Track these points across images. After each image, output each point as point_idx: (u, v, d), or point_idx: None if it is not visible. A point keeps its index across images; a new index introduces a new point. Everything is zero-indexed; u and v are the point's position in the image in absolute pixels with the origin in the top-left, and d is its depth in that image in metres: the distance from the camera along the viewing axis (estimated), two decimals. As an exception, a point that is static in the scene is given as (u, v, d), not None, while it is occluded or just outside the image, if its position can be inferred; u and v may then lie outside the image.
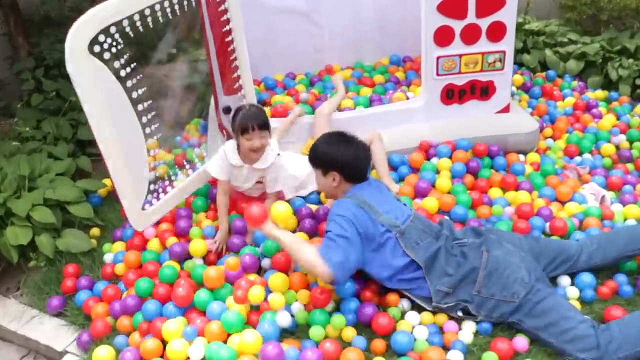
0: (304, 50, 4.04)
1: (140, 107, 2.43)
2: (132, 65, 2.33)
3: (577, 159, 3.22)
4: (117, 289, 2.45)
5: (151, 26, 2.38)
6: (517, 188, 2.85)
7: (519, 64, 4.33)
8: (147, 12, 2.33)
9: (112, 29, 2.17)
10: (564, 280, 2.27)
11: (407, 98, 3.45)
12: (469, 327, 2.09)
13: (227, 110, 3.05)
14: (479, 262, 2.08)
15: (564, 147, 3.32)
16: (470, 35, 3.07)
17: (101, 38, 2.14)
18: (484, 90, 3.26)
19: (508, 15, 3.05)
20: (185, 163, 2.90)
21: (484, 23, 3.04)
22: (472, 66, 3.17)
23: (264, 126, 2.52)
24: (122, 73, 2.29)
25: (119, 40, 2.21)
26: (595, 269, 2.29)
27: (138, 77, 2.37)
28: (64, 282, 2.59)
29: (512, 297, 2.03)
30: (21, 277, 2.80)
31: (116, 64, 2.25)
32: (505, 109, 3.34)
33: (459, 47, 3.10)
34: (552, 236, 2.53)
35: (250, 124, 2.48)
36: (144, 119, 2.47)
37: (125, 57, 2.28)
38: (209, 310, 2.18)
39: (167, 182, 2.76)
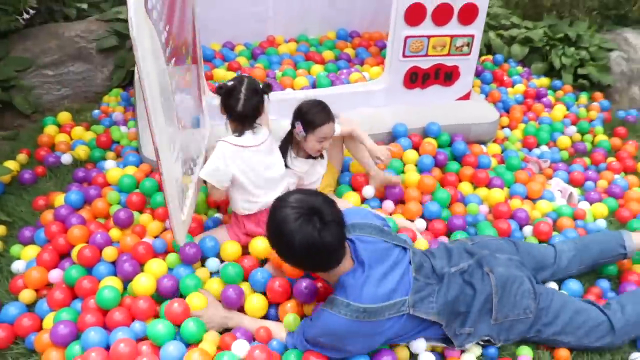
0: (244, 18, 3.61)
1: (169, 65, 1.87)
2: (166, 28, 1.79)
3: (536, 151, 3.15)
4: (35, 316, 1.94)
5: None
6: (488, 184, 2.70)
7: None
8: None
9: None
10: (552, 286, 2.16)
11: (365, 79, 3.18)
12: (474, 352, 1.90)
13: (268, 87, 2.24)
14: (489, 288, 1.86)
15: (522, 138, 3.24)
16: (442, 15, 2.84)
17: None
18: (448, 76, 3.07)
19: (481, -3, 2.86)
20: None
21: (457, 3, 2.83)
22: (439, 49, 2.96)
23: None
24: (162, 38, 1.73)
25: None
26: (572, 276, 2.21)
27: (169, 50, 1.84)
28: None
29: (525, 313, 1.87)
30: None
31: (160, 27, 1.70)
32: (466, 96, 3.18)
33: (429, 28, 2.86)
34: (535, 239, 2.41)
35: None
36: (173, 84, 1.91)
37: (162, 20, 1.73)
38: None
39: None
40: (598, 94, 3.80)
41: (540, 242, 2.40)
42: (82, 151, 2.86)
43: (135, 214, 2.35)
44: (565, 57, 3.99)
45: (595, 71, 3.91)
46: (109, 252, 2.11)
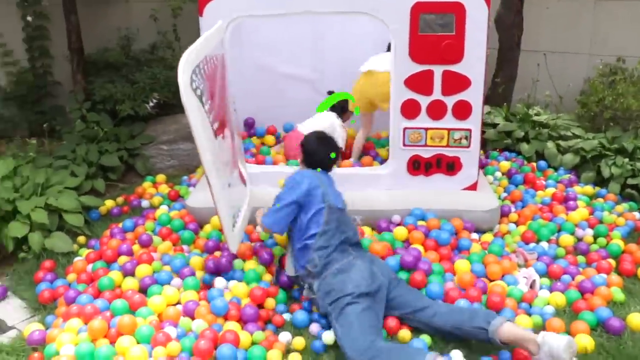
0: (307, 115, 4.43)
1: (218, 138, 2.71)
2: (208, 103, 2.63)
3: (531, 245, 3.27)
4: (67, 287, 2.85)
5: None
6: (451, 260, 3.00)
7: (517, 153, 4.48)
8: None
9: (197, 70, 2.49)
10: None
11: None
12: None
13: (330, 92, 4.13)
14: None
15: (523, 232, 3.39)
16: (436, 111, 3.32)
17: (193, 77, 2.39)
18: (450, 166, 3.45)
19: (474, 95, 3.29)
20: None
21: (450, 101, 3.29)
22: (438, 140, 3.40)
23: None
24: (205, 108, 2.58)
25: (200, 80, 2.52)
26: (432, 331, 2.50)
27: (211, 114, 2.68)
28: (37, 272, 3.02)
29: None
30: (16, 266, 3.27)
31: (203, 99, 2.56)
32: (473, 187, 3.50)
33: (425, 121, 3.35)
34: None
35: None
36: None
37: (204, 96, 2.57)
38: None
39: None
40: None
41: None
42: (156, 200, 3.85)
43: (157, 239, 3.18)
44: (616, 167, 4.03)
45: (645, 182, 3.87)
46: (123, 259, 2.95)
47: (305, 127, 3.94)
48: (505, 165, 4.12)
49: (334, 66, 4.32)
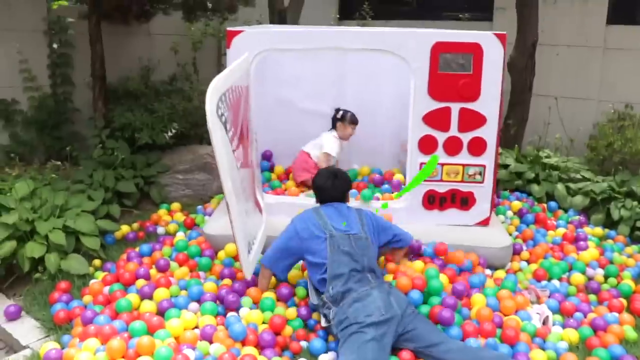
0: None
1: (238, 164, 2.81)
2: (232, 131, 2.71)
3: (543, 283, 3.30)
4: (83, 308, 2.87)
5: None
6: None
7: (528, 194, 4.53)
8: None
9: (223, 97, 2.58)
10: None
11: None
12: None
13: (337, 110, 4.22)
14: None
15: (534, 270, 3.41)
16: (452, 147, 3.41)
17: (219, 104, 2.48)
18: (464, 201, 3.51)
19: (489, 132, 3.38)
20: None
21: (466, 137, 3.38)
22: (453, 175, 3.47)
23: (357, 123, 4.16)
24: (229, 135, 2.64)
25: (225, 108, 2.60)
26: None
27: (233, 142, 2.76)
28: (52, 293, 3.04)
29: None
30: (30, 286, 3.28)
31: (227, 126, 2.60)
32: (485, 222, 3.55)
33: (441, 157, 3.43)
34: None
35: (355, 120, 4.13)
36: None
37: (228, 123, 2.64)
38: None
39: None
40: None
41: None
42: (172, 227, 3.89)
43: (174, 264, 3.21)
44: (625, 209, 4.08)
45: (655, 226, 3.91)
46: (141, 282, 2.98)
47: (308, 147, 4.20)
48: (517, 205, 4.17)
49: (353, 104, 4.42)
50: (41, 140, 5.10)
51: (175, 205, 4.35)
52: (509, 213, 4.09)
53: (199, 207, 4.38)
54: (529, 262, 3.54)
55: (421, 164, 3.46)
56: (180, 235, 3.62)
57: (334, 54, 4.27)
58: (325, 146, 4.11)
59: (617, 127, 5.04)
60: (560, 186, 4.51)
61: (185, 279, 3.07)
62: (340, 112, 4.16)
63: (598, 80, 5.44)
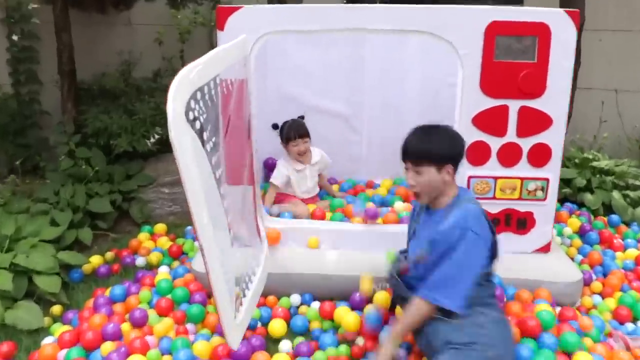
0: (338, 157, 3.76)
1: (222, 189, 2.02)
2: (213, 140, 1.94)
3: (629, 326, 2.58)
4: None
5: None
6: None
7: (579, 204, 3.82)
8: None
9: (199, 94, 1.80)
10: None
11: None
12: None
13: (275, 126, 3.48)
14: None
15: (614, 308, 2.70)
16: (509, 155, 2.68)
17: (192, 103, 1.74)
18: (522, 223, 2.79)
19: (555, 138, 2.66)
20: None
21: (526, 144, 2.66)
22: (508, 192, 2.75)
23: (305, 134, 3.33)
24: (208, 146, 1.88)
25: (203, 108, 1.84)
26: None
27: (215, 155, 1.97)
28: (-9, 361, 2.29)
29: None
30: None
31: (205, 134, 1.87)
32: (545, 248, 2.83)
33: (495, 168, 2.71)
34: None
35: (294, 133, 3.30)
36: (225, 203, 2.04)
37: (208, 130, 1.89)
38: None
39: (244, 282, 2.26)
40: None
41: None
42: (154, 256, 3.14)
43: (153, 315, 2.45)
44: None
45: None
46: (107, 347, 2.21)
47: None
48: (574, 222, 3.44)
49: (373, 100, 3.70)
50: (2, 149, 4.35)
51: (160, 227, 3.60)
52: (567, 230, 3.36)
53: (188, 228, 3.64)
54: (602, 295, 2.82)
55: (469, 177, 2.73)
56: (163, 273, 2.87)
57: (350, 40, 3.53)
58: (273, 174, 3.40)
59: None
60: (616, 194, 3.80)
61: (169, 337, 2.32)
62: (277, 131, 3.44)
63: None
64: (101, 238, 3.56)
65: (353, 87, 3.71)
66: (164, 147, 4.28)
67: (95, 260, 3.12)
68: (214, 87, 1.92)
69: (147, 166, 4.14)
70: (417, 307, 2.03)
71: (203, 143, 1.82)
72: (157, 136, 3.89)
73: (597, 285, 2.85)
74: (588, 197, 3.80)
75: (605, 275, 2.97)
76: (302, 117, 3.53)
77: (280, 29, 2.59)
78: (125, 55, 4.89)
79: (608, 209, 3.74)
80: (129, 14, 5.00)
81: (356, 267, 2.67)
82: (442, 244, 2.03)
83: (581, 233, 3.35)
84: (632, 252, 3.18)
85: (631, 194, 3.79)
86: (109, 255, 3.24)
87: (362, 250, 2.78)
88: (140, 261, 3.13)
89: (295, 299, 2.67)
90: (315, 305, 2.64)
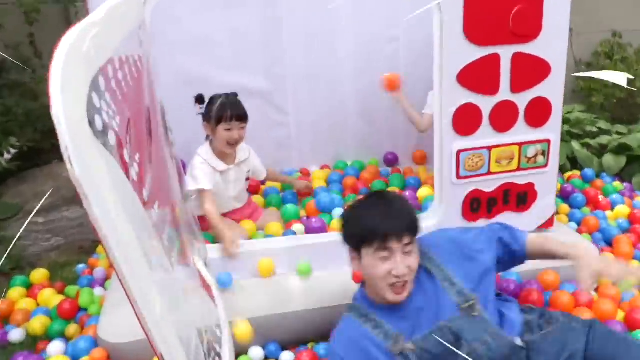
0: (262, 145, 2.97)
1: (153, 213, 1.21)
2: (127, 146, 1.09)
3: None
4: None
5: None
6: None
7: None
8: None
9: (102, 81, 0.95)
10: None
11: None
12: None
13: (199, 99, 2.49)
14: None
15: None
16: (503, 117, 2.11)
17: (95, 98, 0.89)
18: (522, 198, 2.25)
19: (554, 89, 2.14)
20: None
21: (522, 100, 2.10)
22: (505, 163, 2.18)
23: (243, 117, 2.38)
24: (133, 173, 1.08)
25: (110, 102, 0.98)
26: None
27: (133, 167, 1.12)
28: None
29: None
30: None
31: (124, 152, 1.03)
32: (549, 223, 2.32)
33: (488, 136, 2.12)
34: None
35: (230, 113, 2.33)
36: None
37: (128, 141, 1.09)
38: None
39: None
40: None
41: None
42: (39, 324, 2.19)
43: None
44: (680, 165, 3.07)
45: None
46: None
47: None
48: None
49: (297, 70, 2.95)
50: None
51: (39, 274, 2.61)
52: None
53: (80, 266, 2.71)
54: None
55: (459, 151, 2.10)
56: (56, 356, 1.94)
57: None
58: (191, 177, 2.37)
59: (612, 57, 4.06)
60: (576, 145, 3.42)
61: None
62: (202, 106, 2.44)
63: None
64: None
65: (271, 57, 2.92)
66: (27, 162, 3.26)
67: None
68: (116, 71, 1.07)
69: (6, 191, 3.09)
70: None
71: (124, 165, 0.98)
72: (13, 151, 2.86)
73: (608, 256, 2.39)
74: (548, 151, 3.38)
75: (608, 243, 2.53)
76: (236, 95, 2.53)
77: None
78: (-49, 48, 3.69)
79: (573, 163, 3.35)
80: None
81: (332, 293, 1.97)
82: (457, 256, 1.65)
83: (565, 196, 2.89)
84: (622, 210, 2.78)
85: (591, 142, 3.43)
86: (-32, 332, 2.23)
87: (335, 267, 2.06)
88: (15, 336, 2.16)
89: (257, 353, 1.92)
90: (287, 356, 1.91)
